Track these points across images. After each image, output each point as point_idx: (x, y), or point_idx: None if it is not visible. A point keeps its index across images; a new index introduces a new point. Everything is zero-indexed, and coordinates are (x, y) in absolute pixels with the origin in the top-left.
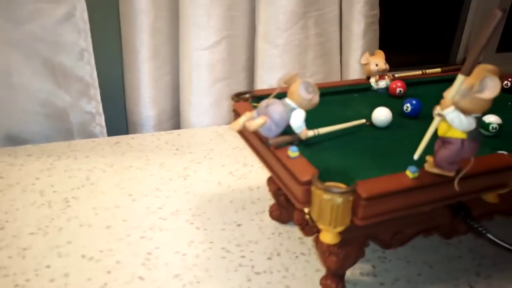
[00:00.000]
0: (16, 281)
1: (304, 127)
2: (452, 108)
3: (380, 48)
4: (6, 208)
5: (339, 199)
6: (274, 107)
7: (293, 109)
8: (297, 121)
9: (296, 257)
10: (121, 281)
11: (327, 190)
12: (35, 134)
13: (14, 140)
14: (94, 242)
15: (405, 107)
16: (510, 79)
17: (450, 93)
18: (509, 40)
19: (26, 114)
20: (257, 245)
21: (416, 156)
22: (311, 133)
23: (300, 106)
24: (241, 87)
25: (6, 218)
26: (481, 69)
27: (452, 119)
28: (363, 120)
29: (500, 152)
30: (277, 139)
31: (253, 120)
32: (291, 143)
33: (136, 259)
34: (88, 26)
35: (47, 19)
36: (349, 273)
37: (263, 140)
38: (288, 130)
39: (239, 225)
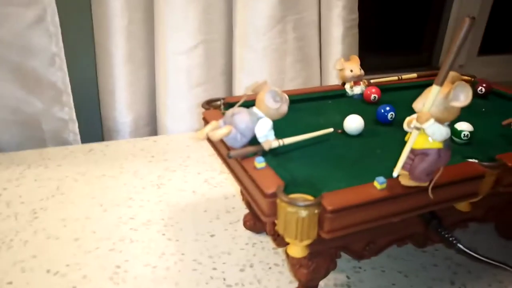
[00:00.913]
0: None
1: (268, 137)
2: (432, 120)
3: (362, 51)
4: None
5: (304, 212)
6: (240, 116)
7: (260, 119)
8: (262, 130)
9: (270, 268)
10: None
11: (292, 203)
12: (6, 142)
13: None
14: (60, 255)
15: (389, 116)
16: (484, 85)
17: (426, 105)
18: (489, 43)
19: None
20: (230, 256)
21: (395, 173)
22: (275, 143)
23: (268, 115)
24: (219, 92)
25: None
26: (449, 77)
27: (433, 132)
28: (331, 129)
29: (470, 160)
30: (238, 151)
31: (217, 129)
32: (254, 154)
33: (104, 272)
34: (59, 30)
35: (16, 24)
36: (322, 284)
37: (227, 151)
38: (256, 140)
39: (212, 235)
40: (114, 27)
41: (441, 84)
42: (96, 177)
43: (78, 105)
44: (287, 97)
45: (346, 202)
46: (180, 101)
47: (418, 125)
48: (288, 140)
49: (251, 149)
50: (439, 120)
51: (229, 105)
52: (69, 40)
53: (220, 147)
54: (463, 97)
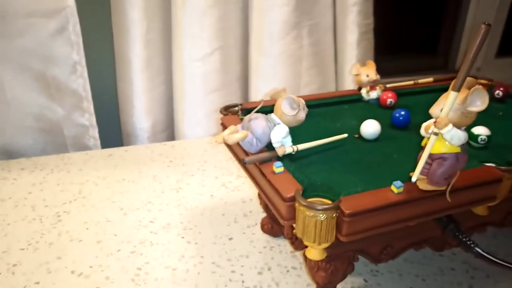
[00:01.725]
0: None
1: (284, 144)
2: (450, 125)
3: (377, 55)
4: None
5: (322, 216)
6: (257, 121)
7: (276, 125)
8: (277, 136)
9: (287, 271)
10: None
11: (310, 206)
12: (29, 147)
13: (7, 154)
14: (84, 257)
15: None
16: (501, 89)
17: (444, 111)
18: (507, 45)
19: (20, 128)
20: (248, 259)
21: (414, 178)
22: (289, 149)
23: (285, 122)
24: (235, 98)
25: None
26: (465, 83)
27: (452, 137)
28: (345, 135)
29: (488, 164)
30: (253, 157)
31: (233, 134)
32: (269, 160)
33: (125, 274)
34: (80, 39)
35: (39, 33)
36: (340, 287)
37: (244, 156)
38: (272, 146)
39: (230, 238)
40: (133, 36)
41: (458, 90)
42: (116, 181)
43: (98, 111)
44: (305, 104)
45: (363, 206)
46: (197, 106)
47: (436, 130)
48: (302, 146)
49: (265, 155)
50: (457, 125)
51: (247, 111)
52: (90, 49)
53: (238, 152)
54: (480, 102)
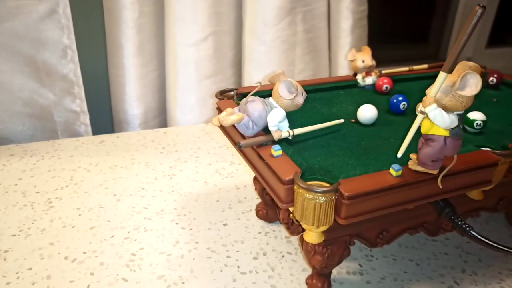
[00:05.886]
0: None
1: (281, 128)
2: (434, 105)
3: (370, 43)
4: None
5: (321, 198)
6: (254, 104)
7: (274, 109)
8: (273, 120)
9: (283, 256)
10: (104, 283)
11: (309, 189)
12: (19, 133)
13: None
14: (77, 243)
15: (401, 106)
16: (495, 75)
17: (431, 91)
18: (498, 35)
19: (9, 114)
20: (243, 245)
21: (399, 154)
22: (285, 133)
23: (282, 106)
24: (228, 84)
25: None
26: (462, 66)
27: (434, 116)
28: (342, 120)
29: (483, 148)
30: (248, 141)
31: (229, 115)
32: (264, 144)
33: (120, 260)
34: (71, 23)
35: (28, 16)
36: (335, 272)
37: (240, 139)
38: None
39: (225, 224)
40: (125, 20)
41: (448, 71)
42: (108, 167)
43: (89, 97)
44: (303, 89)
45: (362, 188)
46: (190, 93)
47: (422, 109)
48: (298, 131)
49: (261, 139)
50: (446, 108)
51: (242, 95)
52: (80, 33)
53: (234, 136)
54: (471, 87)
